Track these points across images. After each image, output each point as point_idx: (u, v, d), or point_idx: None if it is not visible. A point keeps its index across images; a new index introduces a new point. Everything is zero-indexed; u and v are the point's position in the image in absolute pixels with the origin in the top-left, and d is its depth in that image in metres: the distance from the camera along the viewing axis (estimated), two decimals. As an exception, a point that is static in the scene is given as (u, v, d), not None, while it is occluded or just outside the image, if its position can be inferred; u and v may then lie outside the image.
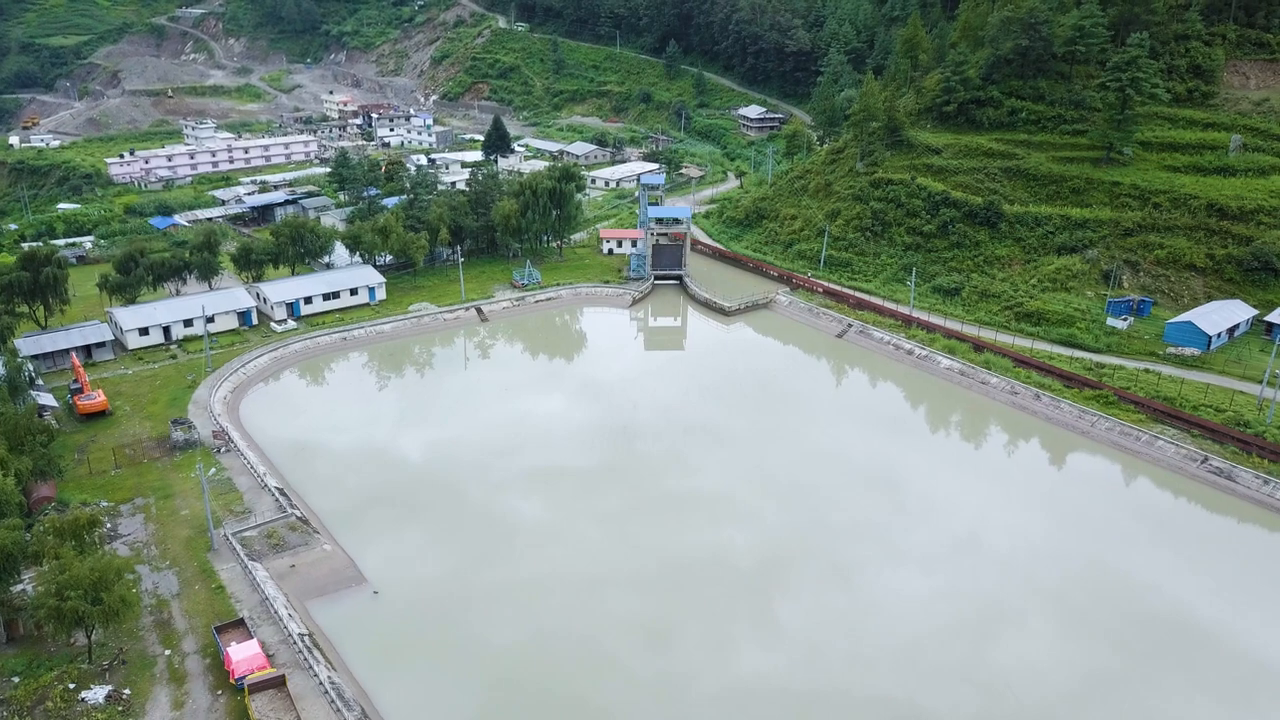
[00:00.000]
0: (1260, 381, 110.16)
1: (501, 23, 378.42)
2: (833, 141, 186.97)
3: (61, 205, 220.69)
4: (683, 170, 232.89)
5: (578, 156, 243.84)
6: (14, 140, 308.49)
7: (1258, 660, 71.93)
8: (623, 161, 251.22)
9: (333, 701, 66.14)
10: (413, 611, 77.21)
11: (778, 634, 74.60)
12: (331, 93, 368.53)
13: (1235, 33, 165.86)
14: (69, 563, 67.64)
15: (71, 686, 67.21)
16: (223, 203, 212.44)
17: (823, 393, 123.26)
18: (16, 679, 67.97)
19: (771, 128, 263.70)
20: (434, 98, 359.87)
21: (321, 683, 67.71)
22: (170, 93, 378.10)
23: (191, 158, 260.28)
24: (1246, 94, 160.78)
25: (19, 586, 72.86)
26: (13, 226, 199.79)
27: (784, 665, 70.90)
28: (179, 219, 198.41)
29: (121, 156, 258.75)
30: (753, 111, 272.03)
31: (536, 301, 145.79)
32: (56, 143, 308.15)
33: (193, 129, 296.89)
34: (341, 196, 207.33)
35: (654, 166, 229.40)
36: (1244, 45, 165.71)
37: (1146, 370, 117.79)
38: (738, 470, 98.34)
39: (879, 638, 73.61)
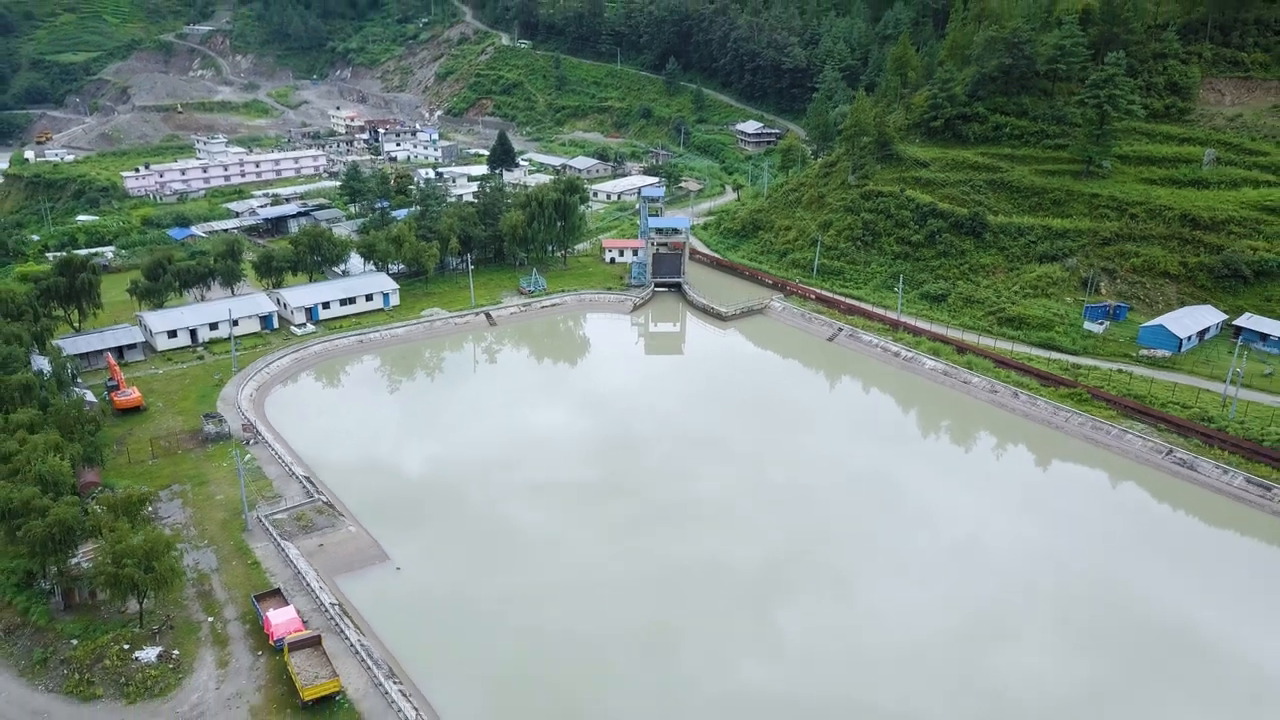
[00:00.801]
0: (1225, 380, 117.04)
1: (505, 40, 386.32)
2: (826, 155, 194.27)
3: (81, 217, 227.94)
4: (682, 184, 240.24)
5: (580, 170, 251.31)
6: (29, 154, 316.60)
7: (1195, 628, 78.71)
8: (624, 175, 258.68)
9: (363, 660, 72.95)
10: (431, 584, 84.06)
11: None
12: (339, 108, 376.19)
13: (1211, 51, 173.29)
14: (123, 535, 74.47)
15: (126, 647, 73.95)
16: (237, 215, 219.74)
17: (813, 393, 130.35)
18: (75, 641, 74.72)
19: (768, 143, 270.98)
20: (438, 113, 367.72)
21: (352, 644, 74.54)
22: (180, 108, 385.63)
23: (204, 171, 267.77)
24: (1221, 110, 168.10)
25: (74, 560, 79.51)
26: (35, 238, 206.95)
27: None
28: (195, 230, 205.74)
29: (137, 170, 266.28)
30: (750, 127, 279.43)
31: (542, 307, 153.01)
32: (70, 157, 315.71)
33: (204, 144, 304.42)
34: (352, 209, 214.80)
35: (654, 180, 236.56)
36: (1219, 63, 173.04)
37: (1120, 370, 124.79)
38: (729, 461, 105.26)
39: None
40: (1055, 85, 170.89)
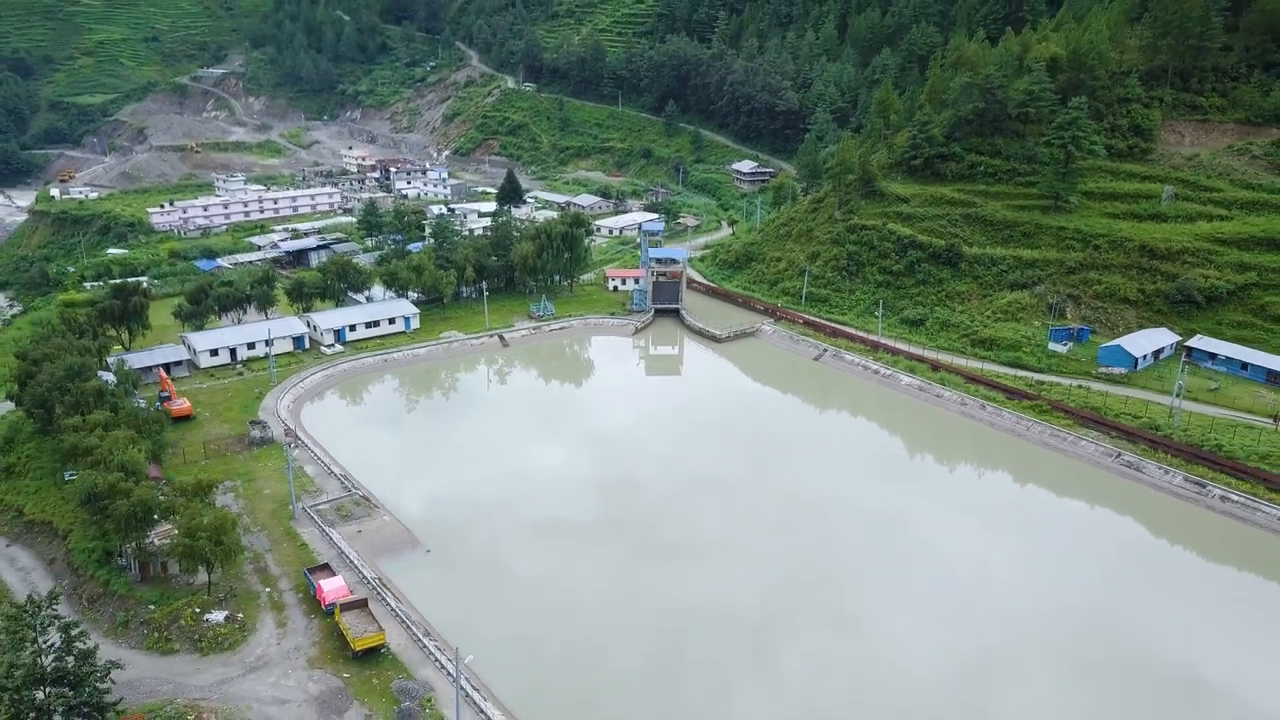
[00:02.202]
0: (1173, 394, 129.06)
1: (510, 83, 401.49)
2: (815, 192, 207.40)
3: (112, 250, 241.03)
4: (680, 219, 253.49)
5: (583, 207, 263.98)
6: (55, 192, 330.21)
7: (1127, 610, 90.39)
8: (625, 212, 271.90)
9: (403, 621, 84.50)
10: (455, 564, 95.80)
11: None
12: (351, 148, 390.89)
13: (1172, 96, 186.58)
14: (196, 513, 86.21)
15: (197, 611, 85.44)
16: (259, 248, 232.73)
17: (798, 407, 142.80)
18: (152, 606, 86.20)
19: (763, 181, 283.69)
20: (446, 153, 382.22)
21: (393, 608, 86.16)
22: (196, 148, 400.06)
23: (225, 208, 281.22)
24: (1180, 150, 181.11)
25: (148, 539, 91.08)
26: (70, 269, 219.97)
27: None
28: (222, 262, 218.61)
29: (161, 207, 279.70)
30: (745, 166, 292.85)
31: (551, 330, 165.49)
32: (94, 194, 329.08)
33: (223, 182, 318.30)
34: (369, 242, 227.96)
35: (654, 216, 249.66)
36: (1179, 107, 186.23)
37: (1079, 386, 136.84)
38: (718, 469, 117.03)
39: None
40: (1026, 127, 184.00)
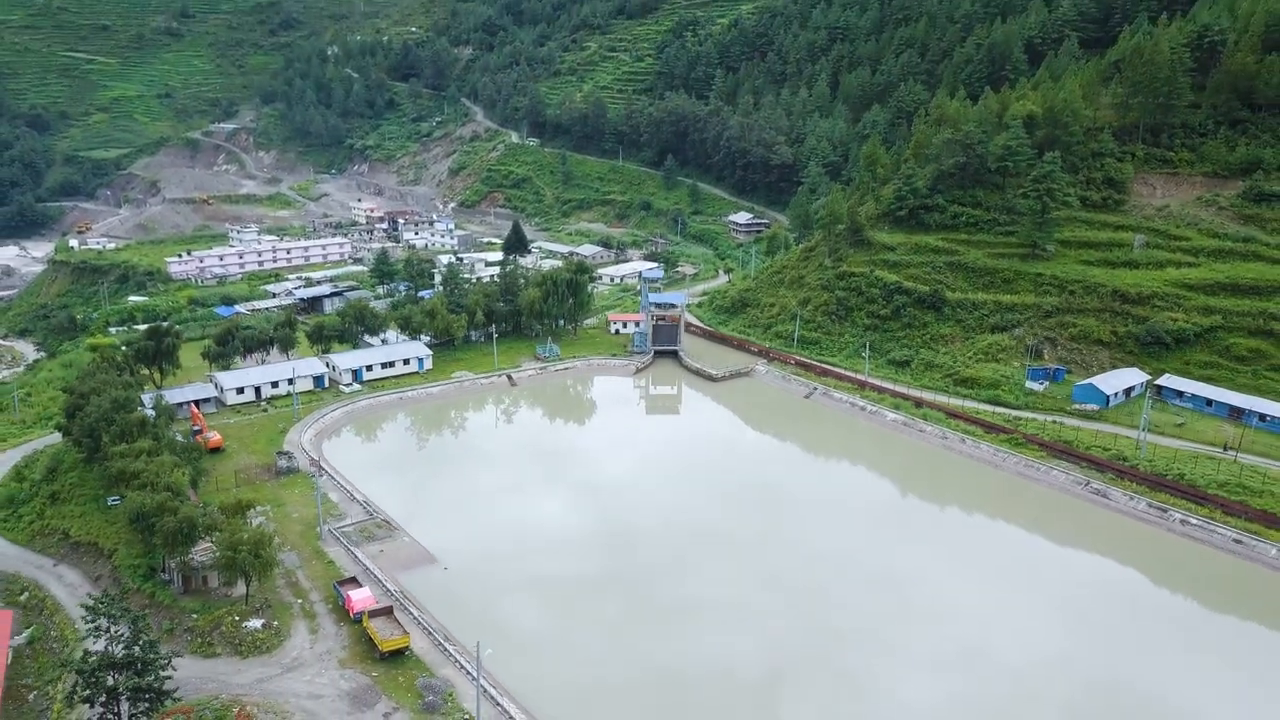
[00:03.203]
0: (1139, 428, 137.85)
1: (514, 138, 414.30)
2: (806, 241, 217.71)
3: (132, 298, 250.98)
4: (679, 268, 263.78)
5: (586, 257, 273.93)
6: (73, 243, 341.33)
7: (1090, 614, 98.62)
8: (625, 261, 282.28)
9: (424, 628, 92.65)
10: (471, 580, 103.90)
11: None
12: (359, 200, 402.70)
13: (1143, 151, 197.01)
14: (236, 529, 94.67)
15: (236, 619, 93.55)
16: (274, 295, 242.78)
17: (789, 440, 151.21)
18: (195, 615, 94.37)
19: (757, 231, 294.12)
20: (452, 205, 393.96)
21: (415, 617, 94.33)
22: (209, 200, 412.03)
23: (240, 257, 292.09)
24: (1152, 201, 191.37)
25: (190, 555, 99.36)
26: (94, 315, 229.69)
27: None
28: (240, 308, 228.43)
29: (179, 256, 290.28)
30: (741, 218, 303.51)
31: (556, 370, 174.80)
32: (111, 245, 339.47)
33: (237, 233, 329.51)
34: (380, 289, 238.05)
35: (654, 265, 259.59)
36: (1150, 161, 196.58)
37: (1054, 421, 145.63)
38: (713, 506, 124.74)
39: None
40: (1005, 180, 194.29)
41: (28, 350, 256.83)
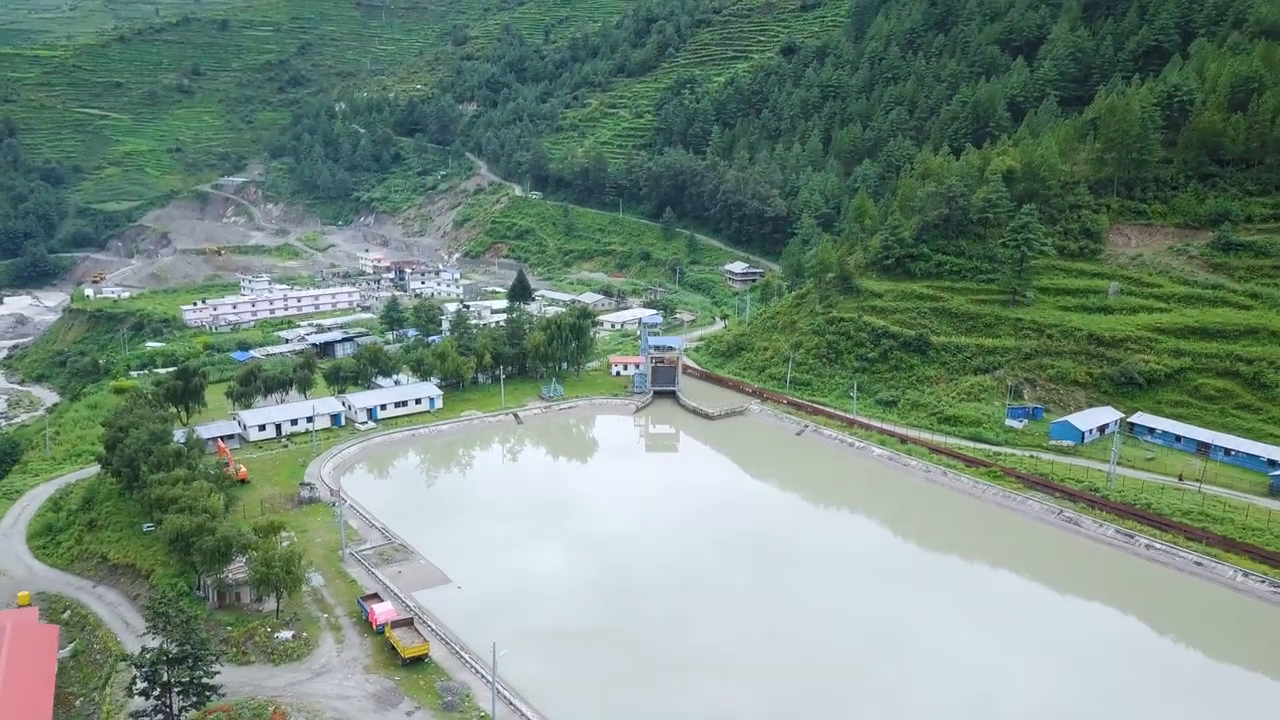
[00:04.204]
0: (1111, 462, 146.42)
1: (517, 191, 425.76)
2: (798, 289, 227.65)
3: (150, 344, 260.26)
4: (677, 315, 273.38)
5: (588, 304, 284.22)
6: (89, 292, 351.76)
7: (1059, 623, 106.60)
8: (626, 308, 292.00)
9: (442, 638, 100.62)
10: (483, 600, 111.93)
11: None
12: (367, 251, 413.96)
13: (1118, 203, 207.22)
14: (270, 547, 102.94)
15: (268, 630, 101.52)
16: (287, 341, 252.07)
17: (781, 475, 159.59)
18: (230, 627, 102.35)
19: (752, 280, 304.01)
20: (457, 255, 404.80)
21: (433, 629, 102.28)
22: (220, 251, 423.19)
23: (253, 305, 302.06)
24: (1126, 250, 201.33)
25: (225, 573, 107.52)
26: (114, 360, 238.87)
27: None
28: (255, 353, 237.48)
29: (194, 304, 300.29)
30: (737, 267, 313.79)
31: (560, 410, 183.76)
32: (126, 294, 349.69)
33: (249, 282, 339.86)
34: (389, 335, 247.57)
35: (653, 312, 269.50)
36: (1125, 213, 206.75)
37: (1031, 456, 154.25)
38: (708, 539, 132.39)
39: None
40: (986, 230, 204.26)
41: (45, 395, 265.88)
